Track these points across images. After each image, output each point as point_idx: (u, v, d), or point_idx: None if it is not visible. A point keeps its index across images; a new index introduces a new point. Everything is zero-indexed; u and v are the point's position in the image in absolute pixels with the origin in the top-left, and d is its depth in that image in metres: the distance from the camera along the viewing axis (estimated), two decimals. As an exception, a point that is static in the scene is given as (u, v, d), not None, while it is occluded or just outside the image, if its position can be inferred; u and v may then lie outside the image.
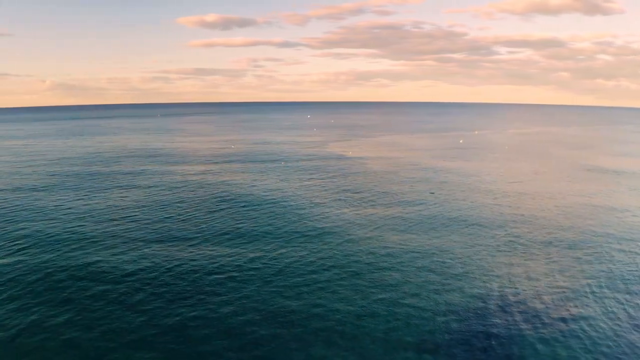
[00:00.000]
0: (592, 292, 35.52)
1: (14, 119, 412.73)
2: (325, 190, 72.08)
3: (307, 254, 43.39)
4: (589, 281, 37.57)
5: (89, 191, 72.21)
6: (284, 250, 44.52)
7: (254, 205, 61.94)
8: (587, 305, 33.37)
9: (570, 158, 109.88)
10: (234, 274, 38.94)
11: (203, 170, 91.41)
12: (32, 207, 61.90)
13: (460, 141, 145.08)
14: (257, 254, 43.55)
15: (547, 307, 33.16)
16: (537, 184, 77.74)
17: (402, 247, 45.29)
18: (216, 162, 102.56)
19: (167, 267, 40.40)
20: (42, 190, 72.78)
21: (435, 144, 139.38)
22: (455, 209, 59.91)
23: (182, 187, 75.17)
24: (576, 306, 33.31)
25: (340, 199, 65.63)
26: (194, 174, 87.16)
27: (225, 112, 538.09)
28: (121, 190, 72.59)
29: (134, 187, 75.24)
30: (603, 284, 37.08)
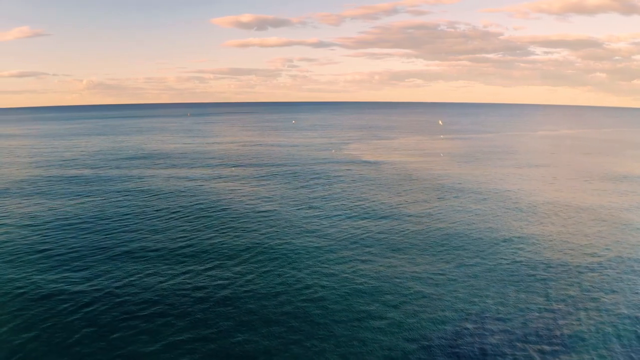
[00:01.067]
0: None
1: (54, 117, 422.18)
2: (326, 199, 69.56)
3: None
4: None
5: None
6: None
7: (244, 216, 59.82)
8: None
9: (590, 164, 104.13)
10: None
11: (213, 176, 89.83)
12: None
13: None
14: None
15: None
16: (548, 194, 73.08)
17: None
18: (226, 166, 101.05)
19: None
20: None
21: (454, 147, 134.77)
22: (459, 222, 56.48)
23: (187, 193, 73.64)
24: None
25: (342, 208, 62.96)
26: (201, 180, 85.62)
27: (255, 111, 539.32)
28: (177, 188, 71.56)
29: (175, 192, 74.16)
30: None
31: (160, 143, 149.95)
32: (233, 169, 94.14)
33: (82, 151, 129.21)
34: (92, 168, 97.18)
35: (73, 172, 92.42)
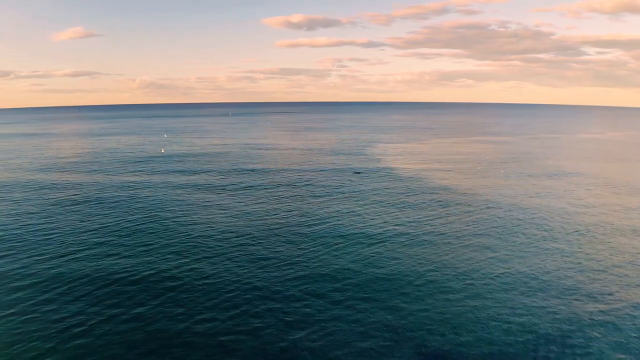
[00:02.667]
0: None
1: (107, 116, 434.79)
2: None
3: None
4: None
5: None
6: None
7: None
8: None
9: (620, 172, 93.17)
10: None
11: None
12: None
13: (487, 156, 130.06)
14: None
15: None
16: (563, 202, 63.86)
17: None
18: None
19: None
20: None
21: (481, 151, 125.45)
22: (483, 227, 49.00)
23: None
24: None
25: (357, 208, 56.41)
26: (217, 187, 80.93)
27: (299, 111, 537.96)
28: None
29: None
30: None
31: (169, 144, 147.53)
32: (202, 176, 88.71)
33: (80, 152, 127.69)
34: (71, 171, 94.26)
35: (39, 176, 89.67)
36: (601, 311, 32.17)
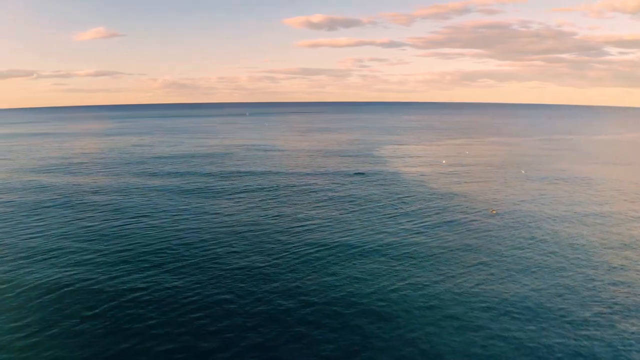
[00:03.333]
0: None
1: (128, 115, 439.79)
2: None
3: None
4: None
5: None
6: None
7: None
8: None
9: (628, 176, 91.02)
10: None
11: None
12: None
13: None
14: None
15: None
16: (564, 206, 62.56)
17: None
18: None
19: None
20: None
21: (485, 153, 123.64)
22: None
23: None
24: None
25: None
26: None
27: (318, 111, 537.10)
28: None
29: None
30: None
31: (170, 145, 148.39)
32: (186, 178, 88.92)
33: (85, 152, 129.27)
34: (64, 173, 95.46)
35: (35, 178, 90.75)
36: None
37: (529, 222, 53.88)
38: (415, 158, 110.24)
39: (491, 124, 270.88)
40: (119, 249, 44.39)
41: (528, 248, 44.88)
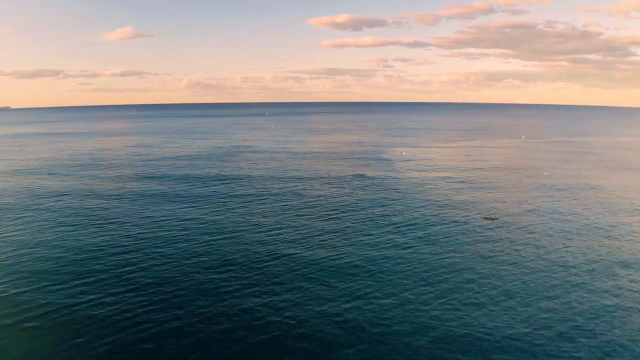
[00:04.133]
0: None
1: (155, 114, 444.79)
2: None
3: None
4: None
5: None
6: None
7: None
8: None
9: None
10: None
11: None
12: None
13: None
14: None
15: None
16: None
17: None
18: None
19: None
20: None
21: (495, 157, 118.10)
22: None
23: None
24: None
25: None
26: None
27: (341, 111, 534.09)
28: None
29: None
30: None
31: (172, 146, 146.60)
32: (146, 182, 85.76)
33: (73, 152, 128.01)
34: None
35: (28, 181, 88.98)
36: None
37: (528, 232, 49.14)
38: (421, 161, 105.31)
39: (517, 125, 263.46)
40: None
41: (520, 263, 40.19)
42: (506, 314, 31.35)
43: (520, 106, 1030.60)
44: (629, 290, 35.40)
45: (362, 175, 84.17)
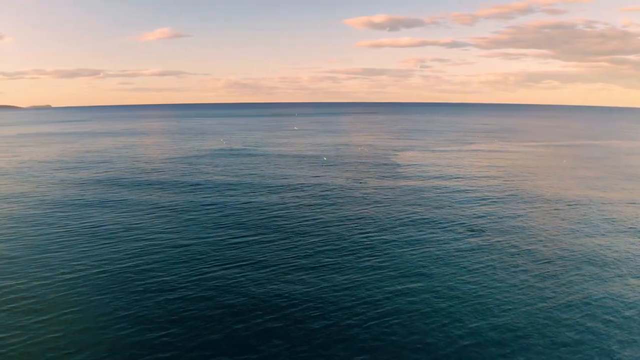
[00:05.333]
0: None
1: (193, 114, 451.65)
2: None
3: None
4: None
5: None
6: None
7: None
8: None
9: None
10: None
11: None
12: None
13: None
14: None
15: None
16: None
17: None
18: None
19: None
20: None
21: (503, 160, 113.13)
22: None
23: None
24: None
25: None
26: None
27: (373, 112, 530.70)
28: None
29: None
30: None
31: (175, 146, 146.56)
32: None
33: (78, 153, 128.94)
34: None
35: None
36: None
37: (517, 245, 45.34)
38: (425, 167, 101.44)
39: (550, 125, 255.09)
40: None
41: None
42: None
43: (559, 107, 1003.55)
44: None
45: (359, 181, 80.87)
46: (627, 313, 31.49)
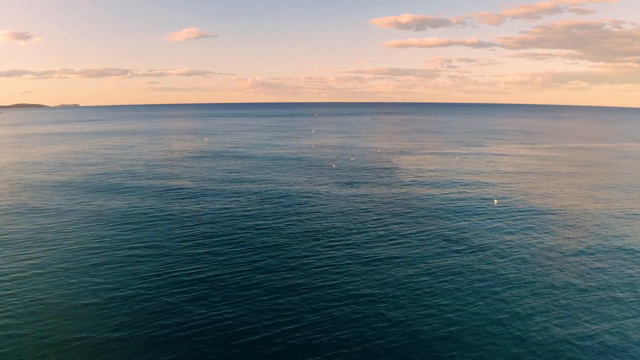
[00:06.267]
0: None
1: (212, 113, 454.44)
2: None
3: None
4: None
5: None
6: None
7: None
8: None
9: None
10: None
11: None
12: None
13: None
14: None
15: None
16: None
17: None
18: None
19: None
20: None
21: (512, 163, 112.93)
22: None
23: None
24: None
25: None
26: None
27: (397, 112, 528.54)
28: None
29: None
30: None
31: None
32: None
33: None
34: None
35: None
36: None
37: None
38: (423, 171, 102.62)
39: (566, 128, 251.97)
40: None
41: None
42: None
43: (586, 108, 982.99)
44: None
45: (350, 184, 79.97)
46: None
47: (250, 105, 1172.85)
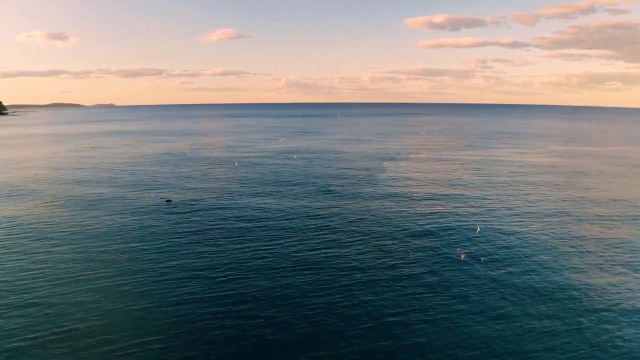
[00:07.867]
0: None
1: (240, 113, 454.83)
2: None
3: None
4: None
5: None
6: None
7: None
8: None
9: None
10: None
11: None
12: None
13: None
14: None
15: None
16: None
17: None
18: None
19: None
20: None
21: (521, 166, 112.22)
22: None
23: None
24: None
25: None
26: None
27: (427, 113, 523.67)
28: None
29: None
30: None
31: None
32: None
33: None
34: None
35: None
36: None
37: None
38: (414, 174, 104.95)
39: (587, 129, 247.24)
40: None
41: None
42: None
43: (622, 110, 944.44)
44: None
45: (330, 191, 74.49)
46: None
47: (282, 105, 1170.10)
